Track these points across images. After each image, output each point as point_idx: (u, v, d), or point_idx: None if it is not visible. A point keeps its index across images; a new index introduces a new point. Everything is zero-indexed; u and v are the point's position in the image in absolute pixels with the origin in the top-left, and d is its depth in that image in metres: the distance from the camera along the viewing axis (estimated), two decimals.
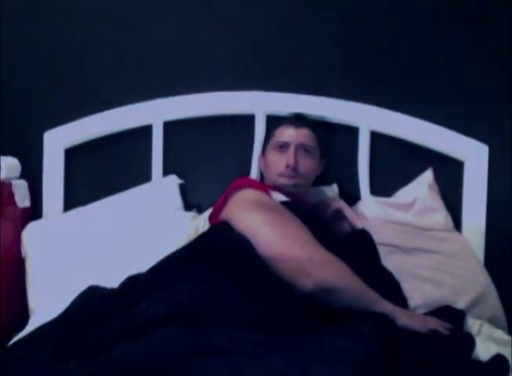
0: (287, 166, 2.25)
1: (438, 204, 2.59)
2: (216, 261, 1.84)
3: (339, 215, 2.38)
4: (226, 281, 1.69)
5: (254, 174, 2.62)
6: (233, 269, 1.79)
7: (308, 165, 2.31)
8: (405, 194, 2.63)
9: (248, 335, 1.35)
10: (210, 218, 2.22)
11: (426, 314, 2.07)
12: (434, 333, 1.76)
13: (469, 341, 1.78)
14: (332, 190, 2.65)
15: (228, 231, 1.99)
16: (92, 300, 1.88)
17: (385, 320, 1.77)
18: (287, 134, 2.32)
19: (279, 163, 2.29)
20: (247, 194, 2.09)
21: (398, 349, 1.60)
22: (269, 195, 2.15)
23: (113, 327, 1.54)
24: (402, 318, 1.84)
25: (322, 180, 2.62)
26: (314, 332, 1.42)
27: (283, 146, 2.31)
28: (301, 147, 2.30)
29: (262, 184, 2.29)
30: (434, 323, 1.86)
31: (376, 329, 1.41)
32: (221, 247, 1.91)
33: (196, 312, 1.47)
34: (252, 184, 2.18)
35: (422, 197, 2.57)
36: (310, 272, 1.78)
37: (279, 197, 2.20)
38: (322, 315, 1.77)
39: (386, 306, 1.85)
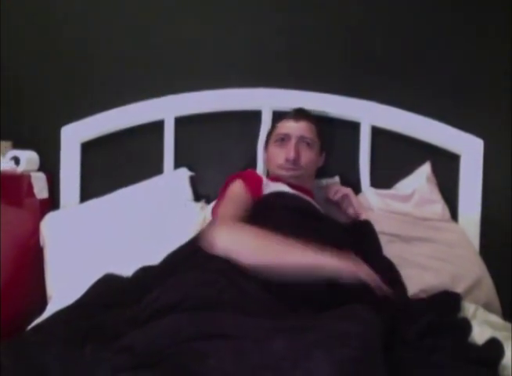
0: (287, 160, 2.24)
1: (435, 195, 2.59)
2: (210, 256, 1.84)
3: (345, 201, 2.35)
4: (230, 269, 1.69)
5: (260, 166, 2.62)
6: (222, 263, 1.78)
7: (308, 157, 2.30)
8: (404, 186, 2.63)
9: (252, 320, 1.35)
10: (213, 210, 2.24)
11: (425, 299, 2.06)
12: (432, 318, 1.73)
13: (465, 326, 1.77)
14: (334, 182, 2.64)
15: None
16: (108, 287, 1.89)
17: (385, 306, 1.75)
18: (288, 127, 2.32)
19: (279, 155, 2.29)
20: (230, 187, 2.14)
21: (397, 335, 1.59)
22: (261, 184, 2.17)
23: (127, 315, 1.54)
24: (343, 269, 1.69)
25: (325, 173, 2.61)
26: (316, 317, 1.41)
27: (283, 139, 2.30)
28: (302, 140, 2.28)
29: (256, 175, 2.27)
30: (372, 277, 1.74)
31: (376, 314, 1.40)
32: None
33: (201, 299, 1.48)
34: (242, 176, 2.20)
35: (420, 188, 2.58)
36: (213, 243, 1.73)
37: (281, 187, 2.21)
38: (325, 300, 1.76)
39: (325, 261, 1.69)
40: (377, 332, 1.26)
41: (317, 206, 2.23)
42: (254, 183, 2.17)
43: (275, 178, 2.32)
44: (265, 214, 1.98)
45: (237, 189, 2.12)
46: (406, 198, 2.56)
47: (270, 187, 2.19)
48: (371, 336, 1.22)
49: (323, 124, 2.49)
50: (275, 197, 2.10)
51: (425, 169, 2.63)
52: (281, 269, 1.68)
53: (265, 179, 2.24)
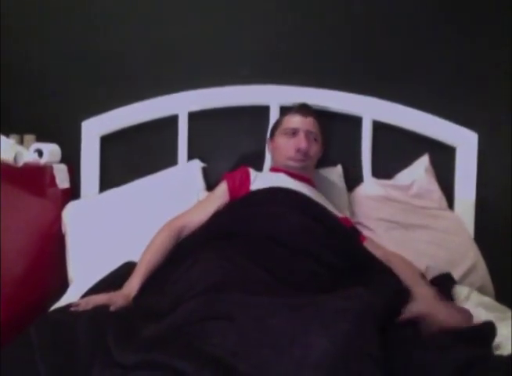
0: (297, 150, 2.24)
1: (433, 185, 2.60)
2: (226, 239, 1.91)
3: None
4: (236, 255, 1.72)
5: (267, 158, 2.63)
6: (240, 244, 1.84)
7: (314, 149, 2.32)
8: (403, 177, 2.64)
9: (253, 299, 1.37)
10: None
11: None
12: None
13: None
14: (336, 171, 2.66)
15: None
16: (127, 272, 1.93)
17: (388, 291, 1.74)
18: (296, 121, 2.31)
19: (288, 147, 2.28)
20: (215, 189, 2.30)
21: (398, 315, 1.59)
22: (248, 181, 2.24)
23: (145, 307, 1.62)
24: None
25: (328, 164, 2.64)
26: (317, 296, 1.41)
27: (293, 133, 2.29)
28: (309, 134, 2.29)
29: (244, 174, 2.29)
30: None
31: (376, 295, 1.39)
32: (225, 227, 2.00)
33: (209, 285, 1.51)
34: (228, 177, 2.29)
35: (419, 179, 2.59)
36: None
37: (276, 177, 2.26)
38: (326, 284, 1.77)
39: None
40: (374, 310, 1.27)
41: (306, 194, 2.20)
42: (239, 182, 2.24)
43: (276, 169, 2.35)
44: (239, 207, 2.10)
45: (217, 192, 2.25)
46: (406, 188, 2.57)
47: (262, 180, 2.23)
48: (368, 312, 1.23)
49: (327, 118, 2.50)
50: (253, 194, 2.16)
51: (424, 161, 2.64)
52: None
53: (254, 174, 2.28)
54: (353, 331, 1.14)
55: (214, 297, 1.40)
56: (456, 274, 2.26)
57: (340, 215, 2.23)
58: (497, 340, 1.53)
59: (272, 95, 2.64)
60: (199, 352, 1.15)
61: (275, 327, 1.21)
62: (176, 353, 1.13)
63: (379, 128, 2.66)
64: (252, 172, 2.28)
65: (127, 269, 2.01)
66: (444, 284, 2.05)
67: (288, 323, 1.21)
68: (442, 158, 2.69)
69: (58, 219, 2.50)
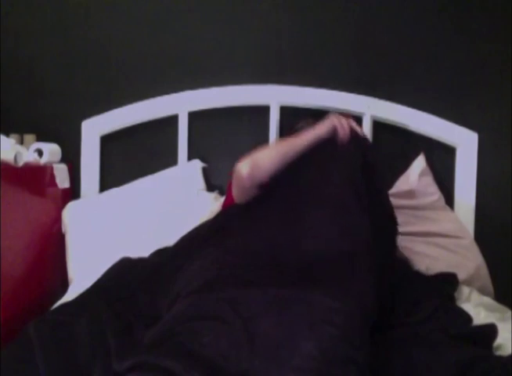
0: None
1: (432, 187, 2.58)
2: (221, 235, 1.90)
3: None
4: (226, 253, 1.71)
5: None
6: (230, 240, 1.82)
7: None
8: (402, 182, 2.60)
9: (243, 297, 1.36)
10: (222, 205, 2.26)
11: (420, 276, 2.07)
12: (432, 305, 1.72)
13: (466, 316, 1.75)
14: None
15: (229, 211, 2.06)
16: (124, 270, 1.95)
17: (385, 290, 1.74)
18: None
19: None
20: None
21: (397, 313, 1.59)
22: None
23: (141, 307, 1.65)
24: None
25: None
26: (306, 290, 1.40)
27: None
28: None
29: None
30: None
31: (370, 294, 1.39)
32: (221, 224, 1.99)
33: (203, 283, 1.50)
34: None
35: (418, 183, 2.55)
36: (240, 173, 1.83)
37: None
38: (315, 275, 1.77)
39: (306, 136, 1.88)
40: (363, 311, 1.27)
41: None
42: None
43: None
44: None
45: None
46: (405, 194, 2.53)
47: None
48: (355, 314, 1.24)
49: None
50: None
51: (420, 162, 2.61)
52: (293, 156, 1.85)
53: None
54: (340, 336, 1.15)
55: (204, 297, 1.40)
56: (461, 277, 2.23)
57: None
58: (497, 341, 1.53)
59: (272, 95, 2.64)
60: (188, 353, 1.15)
61: (264, 329, 1.21)
62: (166, 354, 1.13)
63: (379, 127, 2.66)
64: None
65: (124, 265, 2.02)
66: (448, 284, 2.05)
67: (276, 324, 1.21)
68: (442, 158, 2.69)
69: (58, 219, 2.50)
